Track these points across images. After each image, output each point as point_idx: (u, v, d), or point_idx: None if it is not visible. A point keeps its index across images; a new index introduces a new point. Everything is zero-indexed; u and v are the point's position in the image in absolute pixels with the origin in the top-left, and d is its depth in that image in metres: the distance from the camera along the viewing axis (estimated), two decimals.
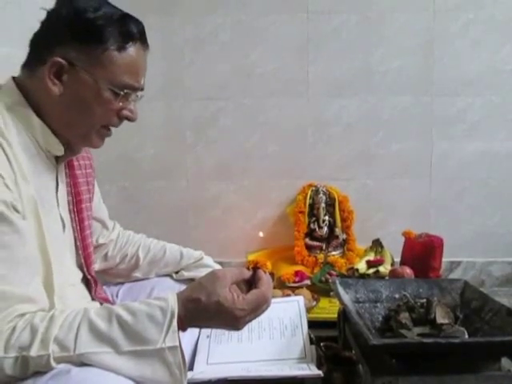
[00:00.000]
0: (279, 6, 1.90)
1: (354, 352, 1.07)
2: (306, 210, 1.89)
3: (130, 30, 0.81)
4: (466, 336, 0.94)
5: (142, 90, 0.86)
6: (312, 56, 1.93)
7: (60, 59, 0.77)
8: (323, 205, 1.88)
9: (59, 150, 0.84)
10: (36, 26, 0.81)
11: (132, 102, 0.86)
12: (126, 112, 0.85)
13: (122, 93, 0.81)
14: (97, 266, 1.12)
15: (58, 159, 0.87)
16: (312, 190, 1.91)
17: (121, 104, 0.83)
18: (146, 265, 1.15)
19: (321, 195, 1.88)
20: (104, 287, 1.11)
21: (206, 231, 2.00)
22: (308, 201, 1.89)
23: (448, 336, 0.92)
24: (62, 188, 0.90)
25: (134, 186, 2.00)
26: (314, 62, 1.93)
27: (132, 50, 0.81)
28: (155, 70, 1.94)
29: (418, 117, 1.94)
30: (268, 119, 1.96)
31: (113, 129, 0.89)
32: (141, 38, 0.83)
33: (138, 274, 1.15)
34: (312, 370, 0.93)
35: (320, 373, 0.92)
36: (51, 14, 0.80)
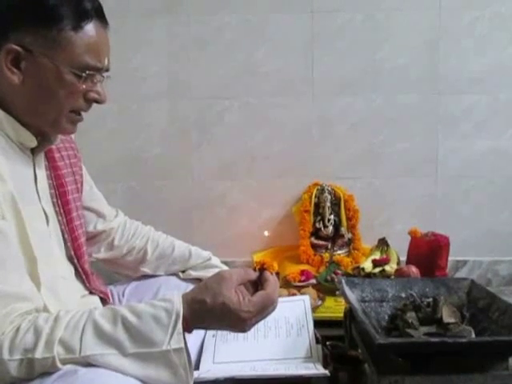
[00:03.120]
0: (284, 4, 1.90)
1: (360, 351, 1.07)
2: (312, 209, 1.89)
3: (85, 8, 0.77)
4: (473, 335, 0.93)
5: (106, 70, 0.83)
6: (317, 55, 1.92)
7: (15, 46, 0.74)
8: (328, 204, 1.88)
9: (31, 140, 0.81)
10: None
11: (98, 84, 0.82)
12: (92, 94, 0.82)
13: (83, 74, 0.78)
14: (101, 254, 1.12)
15: (33, 151, 0.85)
16: (317, 189, 1.90)
17: (84, 86, 0.80)
18: (153, 260, 1.14)
19: (326, 194, 1.88)
20: (110, 287, 1.11)
21: (211, 230, 2.00)
22: (313, 200, 1.89)
23: (455, 335, 0.92)
24: (43, 181, 0.88)
25: (140, 186, 2.00)
26: (318, 61, 1.93)
27: (89, 28, 0.77)
28: (160, 69, 1.94)
29: (424, 115, 1.93)
30: (273, 118, 1.96)
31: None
32: (97, 15, 0.79)
33: (145, 269, 1.15)
34: (318, 370, 0.94)
35: (326, 372, 0.92)
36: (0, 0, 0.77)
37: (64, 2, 0.75)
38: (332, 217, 1.88)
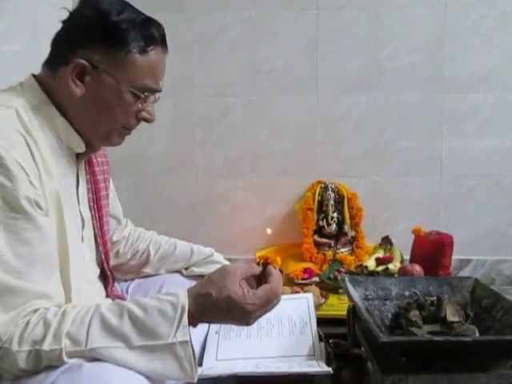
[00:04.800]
0: (288, 2, 1.90)
1: (363, 349, 1.07)
2: (315, 206, 1.88)
3: (153, 34, 0.82)
4: (477, 334, 0.93)
5: (159, 91, 0.88)
6: (321, 53, 1.92)
7: (83, 61, 0.78)
8: (332, 202, 1.87)
9: (81, 147, 0.85)
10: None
11: (150, 104, 0.87)
12: (144, 114, 0.87)
13: (142, 95, 0.83)
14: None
15: (78, 156, 0.88)
16: (321, 187, 1.90)
17: (140, 106, 0.85)
18: (156, 261, 1.15)
19: (329, 192, 1.88)
20: (115, 283, 1.12)
21: (215, 228, 2.00)
22: (317, 198, 1.89)
23: (459, 334, 0.92)
24: (83, 185, 0.91)
25: (144, 183, 2.01)
26: (323, 59, 1.92)
27: (153, 53, 0.83)
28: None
29: (429, 114, 1.92)
30: (277, 116, 1.96)
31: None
32: (162, 41, 0.85)
33: (148, 270, 1.16)
34: (321, 367, 0.93)
35: (330, 370, 0.92)
36: (74, 15, 0.81)
37: (134, 27, 0.80)
38: (335, 215, 1.88)
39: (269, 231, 1.96)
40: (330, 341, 1.14)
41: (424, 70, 1.90)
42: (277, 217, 2.01)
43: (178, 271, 1.17)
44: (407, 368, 0.87)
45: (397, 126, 1.94)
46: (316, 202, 1.88)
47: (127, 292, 1.11)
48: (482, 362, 0.87)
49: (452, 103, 1.91)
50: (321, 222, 1.88)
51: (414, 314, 0.98)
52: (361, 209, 1.89)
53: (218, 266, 1.12)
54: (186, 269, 1.17)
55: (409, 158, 1.95)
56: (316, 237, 1.88)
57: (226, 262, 1.19)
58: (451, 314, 0.96)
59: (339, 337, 1.17)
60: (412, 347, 0.88)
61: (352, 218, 1.89)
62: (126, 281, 1.16)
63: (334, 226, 1.87)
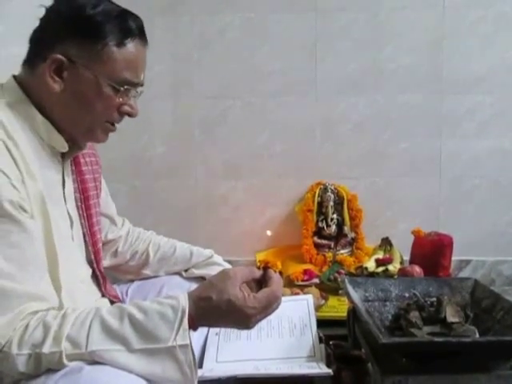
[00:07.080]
0: (287, 4, 1.90)
1: (363, 351, 1.07)
2: (315, 208, 1.89)
3: (129, 26, 0.81)
4: (477, 335, 0.93)
5: (141, 85, 0.86)
6: (320, 54, 1.92)
7: (60, 56, 0.77)
8: (332, 203, 1.88)
9: (63, 146, 0.84)
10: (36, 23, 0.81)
11: (132, 98, 0.86)
12: (126, 108, 0.85)
13: (121, 88, 0.82)
14: (106, 262, 1.12)
15: (63, 155, 0.87)
16: (320, 189, 1.90)
17: (121, 100, 0.83)
18: (155, 262, 1.15)
19: (329, 193, 1.88)
20: (114, 286, 1.12)
21: (215, 230, 2.00)
22: (316, 199, 1.89)
23: (458, 335, 0.92)
24: (69, 184, 0.90)
25: (144, 185, 2.01)
26: (322, 61, 1.93)
27: (131, 45, 0.81)
28: (163, 69, 1.94)
29: (428, 115, 1.93)
30: (276, 118, 1.96)
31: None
32: (140, 33, 0.83)
33: (147, 272, 1.15)
34: (321, 369, 0.94)
35: (330, 371, 0.92)
36: (50, 11, 0.81)
37: (110, 20, 0.80)
38: (335, 216, 1.88)
39: (269, 233, 1.96)
40: (330, 342, 1.14)
41: (423, 72, 1.90)
42: (276, 218, 2.01)
43: (178, 273, 1.17)
44: (407, 369, 0.87)
45: (396, 127, 1.94)
46: (316, 204, 1.89)
47: (127, 294, 1.11)
48: (482, 362, 0.87)
49: (451, 104, 1.92)
50: (320, 224, 1.89)
51: (414, 315, 0.98)
52: (360, 210, 1.89)
53: (218, 267, 1.13)
54: (186, 270, 1.17)
55: (408, 159, 1.96)
56: (316, 238, 1.88)
57: (226, 264, 1.19)
58: (451, 315, 0.96)
59: (339, 338, 1.17)
60: (412, 348, 0.87)
61: (352, 219, 1.89)
62: (125, 283, 1.16)
63: (333, 228, 1.87)
